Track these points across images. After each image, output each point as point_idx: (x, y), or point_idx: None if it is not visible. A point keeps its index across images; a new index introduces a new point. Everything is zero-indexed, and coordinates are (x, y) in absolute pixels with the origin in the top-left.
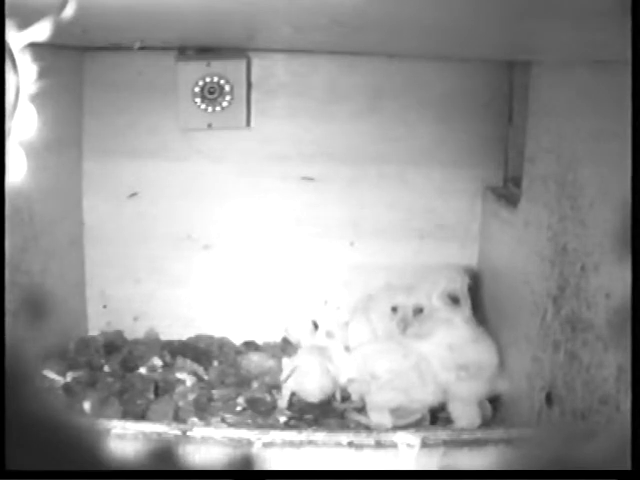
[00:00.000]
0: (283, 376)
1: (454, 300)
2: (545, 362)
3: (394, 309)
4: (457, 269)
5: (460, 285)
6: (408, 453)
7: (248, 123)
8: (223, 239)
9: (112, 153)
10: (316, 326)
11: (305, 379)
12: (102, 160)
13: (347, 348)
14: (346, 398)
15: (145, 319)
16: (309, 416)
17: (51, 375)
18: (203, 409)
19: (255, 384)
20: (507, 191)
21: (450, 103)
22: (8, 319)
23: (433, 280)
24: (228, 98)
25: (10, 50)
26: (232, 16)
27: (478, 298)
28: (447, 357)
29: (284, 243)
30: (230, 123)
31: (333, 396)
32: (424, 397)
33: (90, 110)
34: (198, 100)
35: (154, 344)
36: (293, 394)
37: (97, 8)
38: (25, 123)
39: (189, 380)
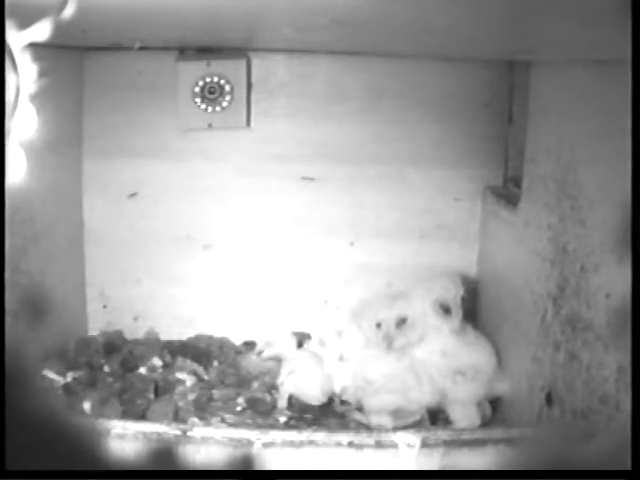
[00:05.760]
0: (280, 379)
1: (446, 310)
2: (545, 362)
3: (378, 325)
4: (453, 278)
5: (454, 296)
6: (408, 453)
7: (248, 123)
8: (223, 239)
9: (112, 153)
10: (298, 339)
11: (305, 383)
12: (102, 160)
13: (341, 357)
14: (344, 401)
15: (145, 319)
16: (309, 416)
17: (51, 375)
18: (203, 409)
19: (255, 384)
20: (507, 191)
21: (450, 103)
22: (8, 319)
23: (428, 287)
24: (228, 98)
25: (10, 50)
26: (232, 16)
27: (478, 299)
28: (441, 363)
29: (284, 243)
30: (230, 123)
31: (333, 397)
32: (422, 397)
33: (90, 110)
34: (198, 100)
35: (154, 344)
36: (291, 396)
37: (97, 8)
38: (25, 123)
39: (189, 380)
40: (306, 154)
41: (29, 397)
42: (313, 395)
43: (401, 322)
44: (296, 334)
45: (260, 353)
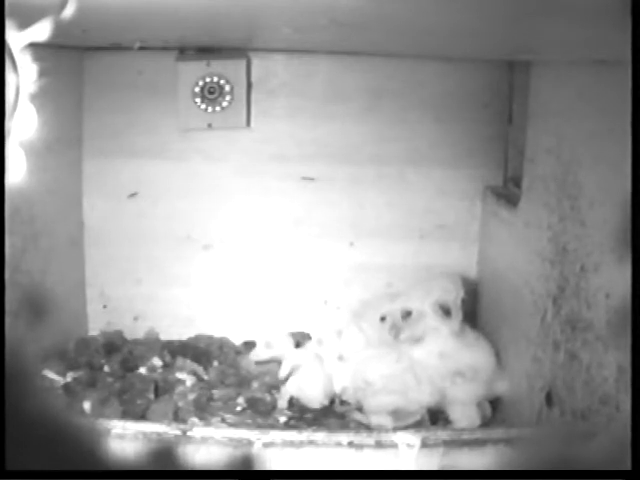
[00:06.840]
0: (282, 374)
1: (445, 311)
2: (545, 362)
3: (382, 318)
4: (453, 280)
5: (454, 297)
6: (408, 453)
7: (248, 123)
8: (223, 239)
9: (112, 153)
10: (296, 340)
11: (308, 386)
12: (102, 160)
13: (341, 357)
14: (344, 401)
15: (145, 319)
16: (309, 416)
17: (51, 375)
18: (203, 409)
19: (255, 384)
20: (507, 191)
21: (450, 103)
22: (8, 319)
23: (427, 288)
24: (228, 98)
25: (10, 50)
26: (232, 16)
27: (477, 299)
28: (440, 364)
29: (284, 243)
30: (230, 123)
31: (334, 397)
32: (421, 398)
33: (90, 110)
34: (198, 100)
35: (154, 344)
36: (292, 397)
37: (97, 8)
38: (25, 123)
39: (189, 380)
40: (306, 154)
41: (29, 397)
42: (315, 398)
43: (406, 315)
44: (295, 334)
45: (257, 356)
